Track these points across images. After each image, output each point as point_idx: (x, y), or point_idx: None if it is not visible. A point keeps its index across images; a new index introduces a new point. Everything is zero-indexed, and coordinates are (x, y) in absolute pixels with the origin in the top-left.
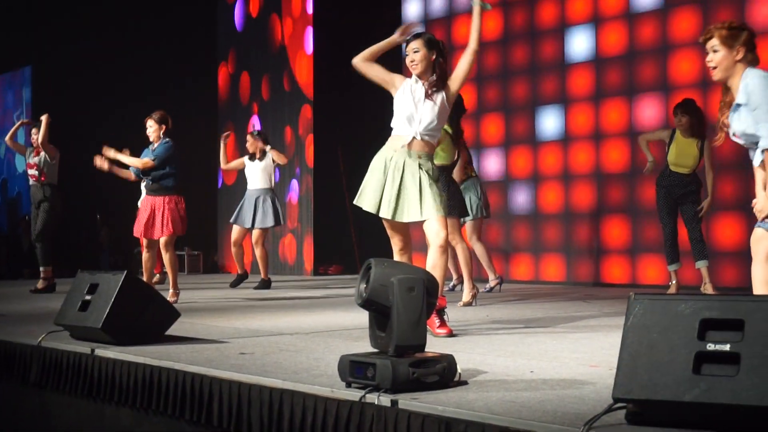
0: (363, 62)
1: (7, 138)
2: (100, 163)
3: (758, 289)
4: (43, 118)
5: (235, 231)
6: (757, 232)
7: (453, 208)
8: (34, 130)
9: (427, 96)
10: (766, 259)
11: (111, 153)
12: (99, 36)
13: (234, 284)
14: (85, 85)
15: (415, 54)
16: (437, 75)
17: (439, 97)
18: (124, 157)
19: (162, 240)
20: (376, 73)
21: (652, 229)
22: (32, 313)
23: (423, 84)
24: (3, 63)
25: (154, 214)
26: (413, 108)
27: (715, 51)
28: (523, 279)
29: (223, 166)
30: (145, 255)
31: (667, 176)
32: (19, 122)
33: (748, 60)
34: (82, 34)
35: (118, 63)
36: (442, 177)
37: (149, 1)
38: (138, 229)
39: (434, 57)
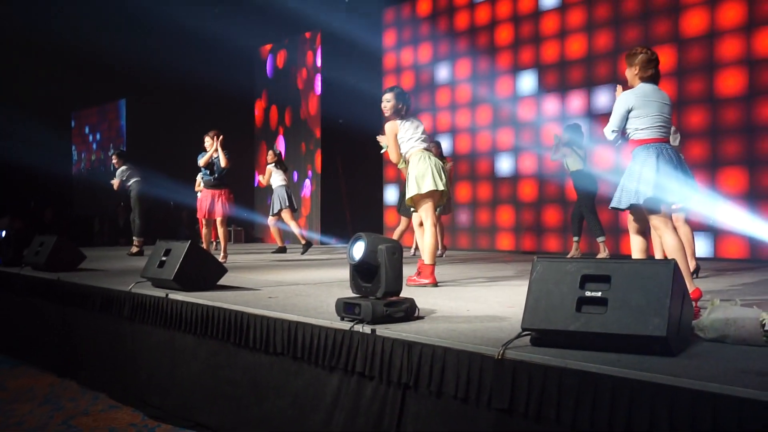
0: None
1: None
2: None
3: (635, 254)
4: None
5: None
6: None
7: None
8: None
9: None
10: (636, 232)
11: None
12: (174, 78)
13: (278, 252)
14: (165, 115)
15: (387, 102)
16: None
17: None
18: (221, 152)
19: (219, 219)
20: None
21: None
22: (125, 269)
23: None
24: (99, 96)
25: (214, 201)
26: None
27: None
28: (485, 248)
29: (265, 183)
30: (204, 230)
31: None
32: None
33: (639, 77)
34: (162, 76)
35: (187, 99)
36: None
37: (211, 56)
38: (202, 212)
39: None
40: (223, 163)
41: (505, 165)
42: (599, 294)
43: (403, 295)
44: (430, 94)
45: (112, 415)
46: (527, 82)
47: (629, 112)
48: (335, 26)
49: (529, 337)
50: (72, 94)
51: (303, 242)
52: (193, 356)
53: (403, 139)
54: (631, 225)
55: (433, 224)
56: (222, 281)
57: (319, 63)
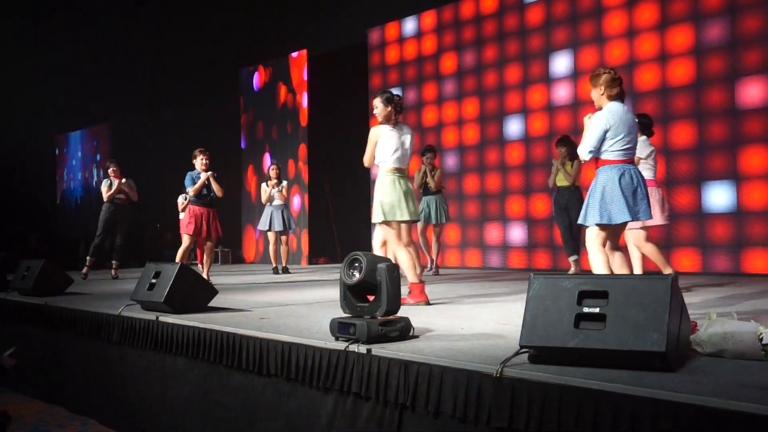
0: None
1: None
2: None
3: (616, 270)
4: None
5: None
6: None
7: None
8: (111, 171)
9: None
10: (605, 248)
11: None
12: (159, 99)
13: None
14: (150, 137)
15: (375, 109)
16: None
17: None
18: (215, 184)
19: (212, 239)
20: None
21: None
22: (113, 293)
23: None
24: (84, 120)
25: (210, 219)
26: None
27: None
28: (474, 265)
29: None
30: (185, 247)
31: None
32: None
33: (606, 96)
34: (146, 98)
35: (174, 120)
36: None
37: (194, 74)
38: (194, 229)
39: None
40: (219, 194)
41: (492, 181)
42: (597, 310)
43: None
44: (416, 113)
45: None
46: (514, 100)
47: (606, 132)
48: (322, 45)
49: (527, 355)
50: (56, 116)
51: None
52: (184, 379)
53: (380, 149)
54: (596, 242)
55: (405, 245)
56: (213, 303)
57: (305, 86)
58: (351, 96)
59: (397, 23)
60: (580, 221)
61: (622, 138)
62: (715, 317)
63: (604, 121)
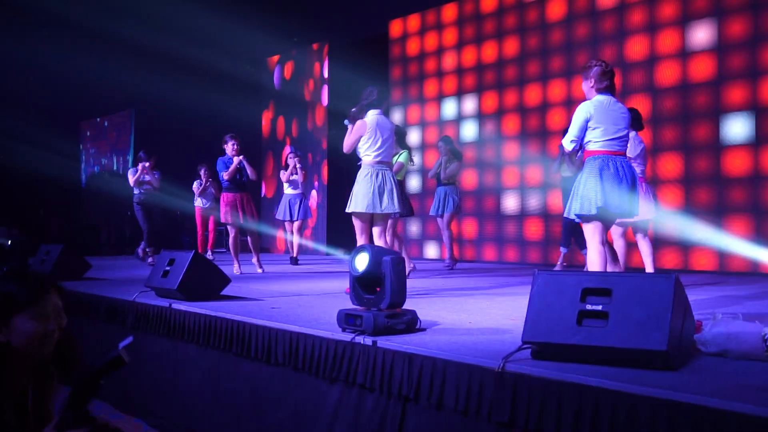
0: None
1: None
2: None
3: (611, 266)
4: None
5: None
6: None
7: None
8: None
9: None
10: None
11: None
12: (181, 87)
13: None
14: (172, 125)
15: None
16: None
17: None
18: (247, 166)
19: (253, 224)
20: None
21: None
22: (130, 279)
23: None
24: (110, 105)
25: (244, 204)
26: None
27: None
28: (491, 259)
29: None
30: (234, 234)
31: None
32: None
33: (595, 89)
34: (169, 86)
35: (196, 110)
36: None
37: (217, 64)
38: (229, 216)
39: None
40: (252, 176)
41: (511, 179)
42: (600, 307)
43: (405, 307)
44: (437, 104)
45: (114, 425)
46: (533, 94)
47: (588, 122)
48: (343, 37)
49: (530, 350)
50: (81, 102)
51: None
52: (194, 366)
53: (363, 143)
54: (594, 237)
55: (366, 240)
56: (226, 291)
57: (326, 74)
58: (371, 85)
59: (418, 15)
60: (564, 214)
61: (606, 129)
62: (720, 317)
63: (585, 111)
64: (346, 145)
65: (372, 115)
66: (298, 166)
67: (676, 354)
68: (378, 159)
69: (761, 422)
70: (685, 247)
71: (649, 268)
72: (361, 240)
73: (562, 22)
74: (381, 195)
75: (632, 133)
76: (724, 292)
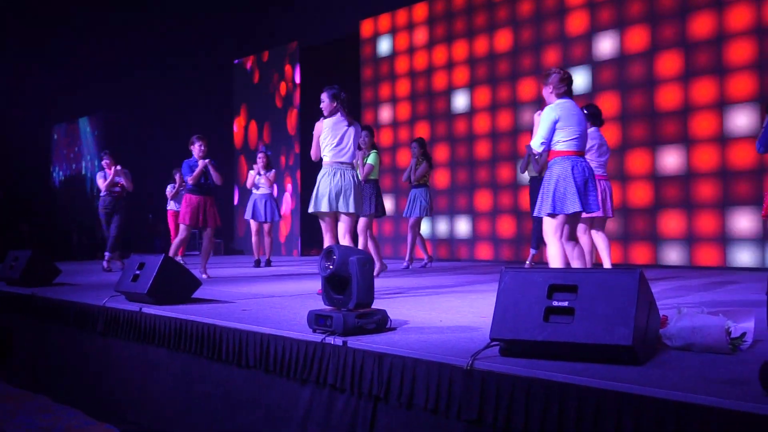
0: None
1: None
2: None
3: (573, 261)
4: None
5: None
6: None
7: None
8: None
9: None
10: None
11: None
12: (151, 90)
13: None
14: (142, 128)
15: (322, 102)
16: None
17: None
18: (213, 172)
19: (210, 229)
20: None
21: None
22: (100, 284)
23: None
24: (78, 110)
25: (207, 207)
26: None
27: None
28: (464, 257)
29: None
30: (182, 237)
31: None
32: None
33: (555, 94)
34: (139, 88)
35: (164, 109)
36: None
37: (187, 66)
38: (190, 219)
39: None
40: (218, 181)
41: (484, 175)
42: (566, 304)
43: (376, 306)
44: (410, 103)
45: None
46: (504, 92)
47: (556, 123)
48: (314, 37)
49: (498, 348)
50: (51, 107)
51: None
52: (166, 370)
53: (322, 144)
54: (555, 234)
55: (332, 239)
56: (197, 294)
57: (297, 77)
58: (343, 87)
59: (389, 15)
60: (534, 213)
61: (573, 131)
62: (685, 311)
63: (554, 114)
64: (312, 151)
65: (330, 116)
66: (261, 170)
67: (641, 348)
68: (336, 159)
69: (725, 415)
70: (655, 242)
71: (606, 264)
72: (327, 239)
73: (532, 19)
74: (338, 195)
75: (591, 129)
76: (685, 283)
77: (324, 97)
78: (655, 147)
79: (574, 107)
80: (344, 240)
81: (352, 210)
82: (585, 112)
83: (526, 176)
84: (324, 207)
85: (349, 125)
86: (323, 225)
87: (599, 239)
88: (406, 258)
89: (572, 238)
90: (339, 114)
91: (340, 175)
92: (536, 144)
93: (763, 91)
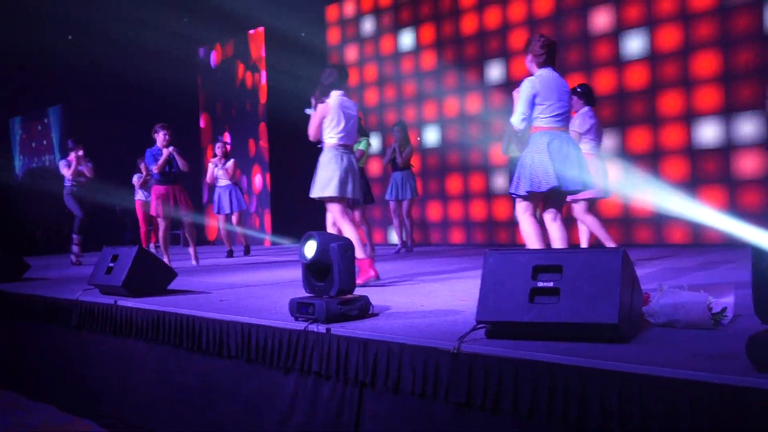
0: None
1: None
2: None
3: (554, 241)
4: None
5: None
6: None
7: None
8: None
9: None
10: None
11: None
12: (112, 79)
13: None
14: (105, 118)
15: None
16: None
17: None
18: (179, 158)
19: (186, 215)
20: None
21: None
22: (71, 277)
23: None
24: (37, 101)
25: (176, 196)
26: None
27: None
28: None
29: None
30: (159, 229)
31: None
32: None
33: (536, 63)
34: (100, 78)
35: (127, 98)
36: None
37: (150, 53)
38: (160, 209)
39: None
40: (184, 168)
41: (453, 158)
42: (551, 284)
43: (357, 293)
44: (378, 89)
45: (63, 428)
46: (474, 74)
47: (535, 97)
48: (279, 23)
49: (484, 330)
50: (8, 99)
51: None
52: (144, 363)
53: (326, 126)
54: (527, 212)
55: (350, 221)
56: (172, 285)
57: (263, 65)
58: (310, 73)
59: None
60: (511, 190)
61: (552, 104)
62: (667, 288)
63: (530, 87)
64: (311, 130)
65: (335, 97)
66: (219, 161)
67: (626, 326)
68: (342, 142)
69: (712, 389)
70: (658, 222)
71: (584, 244)
72: (344, 224)
73: (497, 2)
74: (347, 179)
75: (584, 109)
76: (666, 264)
77: (335, 73)
78: (655, 124)
79: (554, 78)
80: (333, 228)
81: (357, 195)
82: (578, 90)
83: (498, 158)
84: (335, 191)
85: (356, 108)
86: (337, 208)
87: (589, 219)
88: (408, 242)
89: (556, 219)
90: (344, 95)
91: (347, 159)
92: (516, 120)
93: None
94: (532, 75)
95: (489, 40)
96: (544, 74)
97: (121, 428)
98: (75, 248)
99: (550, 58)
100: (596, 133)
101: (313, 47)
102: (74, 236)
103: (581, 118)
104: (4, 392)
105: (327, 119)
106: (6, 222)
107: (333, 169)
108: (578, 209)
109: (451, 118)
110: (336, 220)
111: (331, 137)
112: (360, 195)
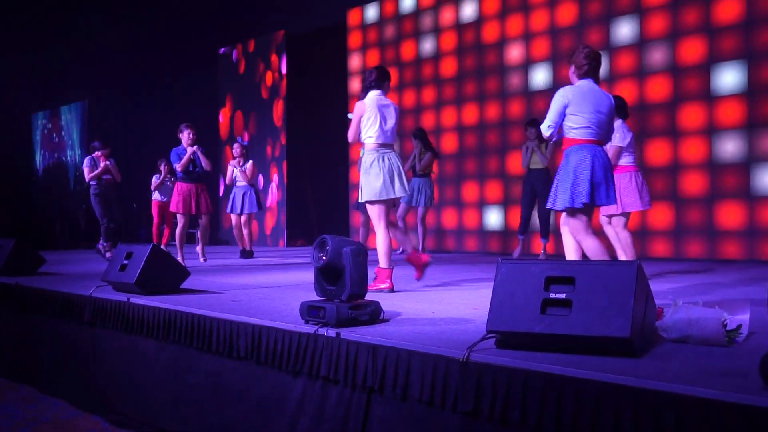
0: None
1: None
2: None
3: (570, 255)
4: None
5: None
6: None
7: None
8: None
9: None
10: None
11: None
12: (136, 78)
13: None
14: (127, 116)
15: (364, 81)
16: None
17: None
18: (202, 157)
19: (204, 216)
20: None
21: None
22: (86, 273)
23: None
24: (62, 97)
25: (198, 195)
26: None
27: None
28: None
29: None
30: (179, 226)
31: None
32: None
33: (577, 75)
34: (123, 76)
35: (148, 97)
36: None
37: (173, 54)
38: (183, 206)
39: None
40: (207, 167)
41: (472, 167)
42: (563, 296)
43: (368, 298)
44: (397, 93)
45: (73, 422)
46: (493, 83)
47: (566, 107)
48: (301, 25)
49: (494, 340)
50: (33, 94)
51: (249, 248)
52: (155, 361)
53: (364, 125)
54: (566, 227)
55: (385, 227)
56: (185, 284)
57: (284, 67)
58: (330, 76)
59: (376, 4)
60: (548, 205)
61: (587, 116)
62: (681, 303)
63: (563, 97)
64: (350, 132)
65: (373, 96)
66: (237, 165)
67: (639, 340)
68: (380, 141)
69: (724, 407)
70: (677, 235)
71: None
72: (380, 226)
73: (519, 8)
74: (392, 180)
75: (618, 122)
76: (682, 280)
77: (374, 73)
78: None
79: (593, 91)
80: (379, 228)
81: (405, 193)
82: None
83: (516, 167)
84: (380, 195)
85: (396, 108)
86: (376, 211)
87: (623, 234)
88: (420, 248)
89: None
90: (382, 95)
91: (388, 159)
92: (544, 128)
93: None
94: (572, 84)
95: (509, 48)
96: (583, 85)
97: (129, 425)
98: (107, 254)
99: (592, 69)
100: (633, 146)
101: (334, 51)
102: (103, 244)
103: (620, 132)
104: (18, 386)
105: (364, 118)
106: (26, 216)
107: (376, 174)
108: (618, 223)
109: (469, 126)
110: (375, 225)
111: (369, 137)
112: (404, 192)
